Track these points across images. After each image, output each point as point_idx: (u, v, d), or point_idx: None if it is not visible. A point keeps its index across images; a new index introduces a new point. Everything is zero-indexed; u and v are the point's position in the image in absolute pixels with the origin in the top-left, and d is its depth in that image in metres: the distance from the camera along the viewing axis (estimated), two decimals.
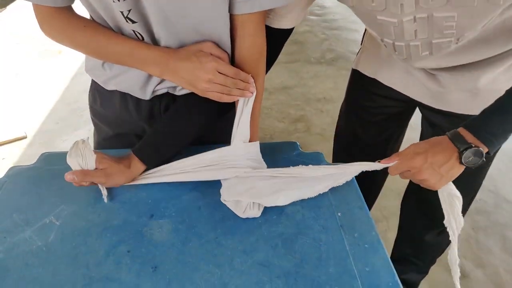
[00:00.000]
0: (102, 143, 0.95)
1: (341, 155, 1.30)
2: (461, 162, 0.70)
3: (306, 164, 0.85)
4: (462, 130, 0.72)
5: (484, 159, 0.70)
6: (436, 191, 1.09)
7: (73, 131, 2.26)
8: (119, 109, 0.87)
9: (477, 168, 0.87)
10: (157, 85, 0.80)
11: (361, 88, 1.12)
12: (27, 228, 0.71)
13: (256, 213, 0.75)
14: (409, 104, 1.05)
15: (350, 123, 1.19)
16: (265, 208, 0.77)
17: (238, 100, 0.77)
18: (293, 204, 0.78)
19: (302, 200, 0.79)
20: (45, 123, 2.32)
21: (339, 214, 0.77)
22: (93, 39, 0.71)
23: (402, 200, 1.30)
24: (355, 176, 0.82)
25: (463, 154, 0.69)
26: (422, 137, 1.10)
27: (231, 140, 0.79)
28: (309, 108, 2.59)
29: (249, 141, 0.80)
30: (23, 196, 0.78)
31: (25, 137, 2.17)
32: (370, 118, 1.12)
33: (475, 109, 0.92)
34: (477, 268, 1.63)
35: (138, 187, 0.81)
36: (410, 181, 1.22)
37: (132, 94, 0.83)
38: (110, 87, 0.83)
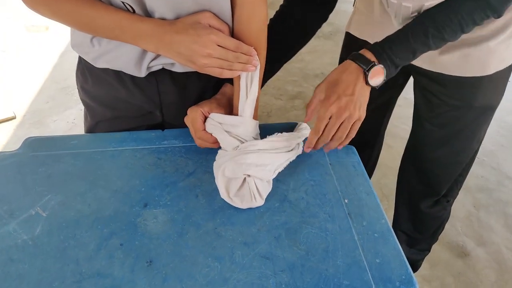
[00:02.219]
0: (100, 126, 0.88)
1: None
2: (367, 83, 0.72)
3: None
4: (365, 52, 0.73)
5: (385, 79, 0.72)
6: (432, 159, 1.07)
7: (64, 111, 2.19)
8: (115, 88, 0.80)
9: (466, 130, 0.92)
10: (152, 61, 0.74)
11: (353, 51, 1.08)
12: (11, 221, 0.66)
13: (260, 202, 0.70)
14: (402, 69, 1.01)
15: None
16: (268, 196, 0.72)
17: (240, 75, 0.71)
18: (297, 191, 0.74)
19: (307, 187, 0.74)
20: (35, 102, 2.24)
21: (346, 201, 0.72)
22: (79, 11, 0.64)
23: (399, 172, 1.28)
24: None
25: (367, 74, 0.71)
26: (416, 104, 1.06)
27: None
28: (306, 85, 2.52)
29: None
30: (6, 186, 0.72)
31: (14, 118, 2.10)
32: None
33: (466, 71, 0.88)
34: (479, 246, 1.61)
35: (131, 174, 0.75)
36: (405, 150, 1.19)
37: (125, 71, 0.76)
38: (100, 64, 0.76)
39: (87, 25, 0.66)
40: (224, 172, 0.70)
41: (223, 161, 0.71)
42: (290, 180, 0.76)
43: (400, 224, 1.29)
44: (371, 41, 1.02)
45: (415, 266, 1.38)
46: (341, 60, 1.18)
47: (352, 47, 1.11)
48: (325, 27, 3.56)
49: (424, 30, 0.74)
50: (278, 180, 0.76)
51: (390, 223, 1.35)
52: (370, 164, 1.34)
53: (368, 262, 0.62)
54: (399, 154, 1.31)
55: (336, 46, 2.95)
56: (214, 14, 0.65)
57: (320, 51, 2.90)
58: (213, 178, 0.74)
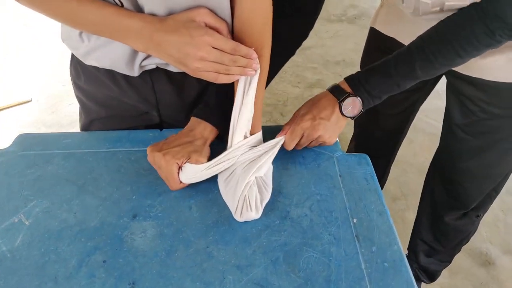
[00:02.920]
0: (95, 125, 0.83)
1: (359, 128, 1.19)
2: (341, 113, 0.72)
3: (316, 154, 0.75)
4: (342, 83, 0.74)
5: (362, 110, 0.73)
6: (462, 171, 0.98)
7: None
8: (108, 87, 0.74)
9: (504, 141, 0.87)
10: (144, 60, 0.67)
11: (378, 49, 1.00)
12: None
13: (255, 215, 0.64)
14: None
15: None
16: (267, 211, 0.65)
17: (238, 80, 0.64)
18: (300, 206, 0.67)
19: (312, 202, 0.67)
20: (50, 85, 2.23)
21: (354, 220, 0.65)
22: (64, 5, 0.57)
23: (425, 179, 1.18)
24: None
25: (342, 104, 0.72)
26: (448, 108, 0.96)
27: (230, 133, 0.66)
28: (326, 72, 2.41)
29: (251, 133, 0.68)
30: None
31: (30, 101, 2.09)
32: None
33: (508, 76, 0.78)
34: (505, 255, 1.51)
35: (122, 179, 0.70)
36: (433, 157, 1.10)
37: (117, 70, 0.70)
38: (89, 62, 0.70)
39: (73, 20, 0.60)
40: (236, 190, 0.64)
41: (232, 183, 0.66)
42: (293, 193, 0.69)
43: (421, 232, 1.20)
44: (399, 39, 0.92)
45: (433, 276, 1.29)
46: (365, 58, 1.09)
47: (376, 44, 1.02)
48: (349, 10, 3.37)
49: (410, 59, 0.70)
50: (280, 193, 0.69)
51: (408, 228, 1.27)
52: (389, 163, 1.25)
53: None
54: (421, 149, 1.21)
55: (361, 31, 2.79)
56: (211, 10, 0.58)
57: (343, 36, 2.76)
58: (209, 188, 0.69)
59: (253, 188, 0.64)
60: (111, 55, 0.65)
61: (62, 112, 2.04)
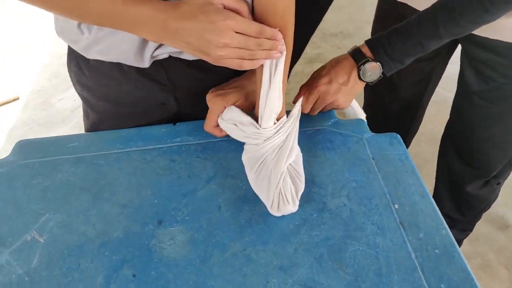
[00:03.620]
0: (106, 124, 0.75)
1: (372, 100, 1.14)
2: (359, 78, 0.70)
3: (344, 137, 0.71)
4: (363, 46, 0.70)
5: (382, 75, 0.70)
6: (483, 139, 0.94)
7: (69, 88, 2.07)
8: (118, 80, 0.67)
9: None
10: (155, 50, 0.61)
11: (390, 16, 0.94)
12: (3, 250, 0.56)
13: (292, 208, 0.59)
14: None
15: None
16: (302, 203, 0.60)
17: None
18: (337, 195, 0.62)
19: (348, 190, 0.63)
20: (38, 81, 2.12)
21: (396, 206, 0.60)
22: None
23: (439, 150, 1.14)
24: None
25: (360, 69, 0.69)
26: (463, 77, 0.92)
27: (259, 116, 0.61)
28: (325, 46, 2.34)
29: (277, 118, 0.62)
30: None
31: (17, 98, 1.99)
32: None
33: None
34: None
35: (141, 182, 0.64)
36: (446, 128, 1.08)
37: (124, 63, 0.63)
38: (92, 55, 0.63)
39: (74, 11, 0.52)
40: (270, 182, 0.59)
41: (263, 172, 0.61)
42: (327, 182, 0.64)
43: (441, 205, 1.17)
44: (411, 4, 0.86)
45: None
46: (375, 23, 1.03)
47: (388, 11, 0.96)
48: None
49: (434, 17, 0.65)
50: (314, 182, 0.64)
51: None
52: (408, 138, 1.21)
53: None
54: (428, 118, 1.17)
55: (353, 2, 2.71)
56: None
57: (337, 8, 2.66)
58: (236, 185, 0.63)
59: (287, 179, 0.59)
60: (117, 46, 0.59)
61: (53, 109, 1.95)
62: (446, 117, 1.05)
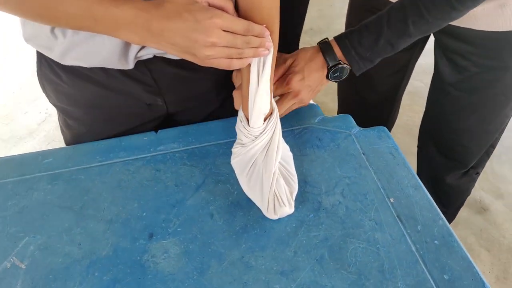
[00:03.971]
0: (91, 132, 0.71)
1: (345, 94, 1.14)
2: (327, 77, 0.69)
3: (332, 133, 0.70)
4: (334, 44, 0.68)
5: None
6: (461, 130, 0.96)
7: (35, 100, 1.97)
8: (101, 83, 0.64)
9: (500, 95, 0.85)
10: (139, 51, 0.57)
11: (363, 9, 0.93)
12: None
13: (289, 210, 0.57)
14: None
15: None
16: (297, 204, 0.59)
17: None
18: (331, 193, 0.61)
19: (342, 187, 0.61)
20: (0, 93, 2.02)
21: (391, 200, 0.60)
22: None
23: (418, 143, 1.16)
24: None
25: (330, 71, 0.68)
26: (438, 68, 0.93)
27: (249, 115, 0.58)
28: None
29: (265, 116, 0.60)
30: None
31: None
32: None
33: (503, 24, 0.75)
34: (497, 200, 1.54)
35: (126, 196, 0.61)
36: (422, 121, 1.08)
37: (107, 67, 0.60)
38: (69, 61, 0.59)
39: (45, 16, 0.48)
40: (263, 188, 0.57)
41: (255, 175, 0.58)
42: (320, 180, 0.63)
43: None
44: None
45: None
46: (348, 17, 1.03)
47: (360, 3, 0.96)
48: None
49: (403, 15, 0.65)
50: (306, 182, 0.62)
51: None
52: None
53: (435, 280, 0.50)
54: (402, 109, 1.19)
55: None
56: None
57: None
58: (227, 190, 0.61)
59: (280, 180, 0.58)
60: (96, 51, 0.55)
61: (18, 123, 1.86)
62: (419, 107, 1.06)
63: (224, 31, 0.47)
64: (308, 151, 0.67)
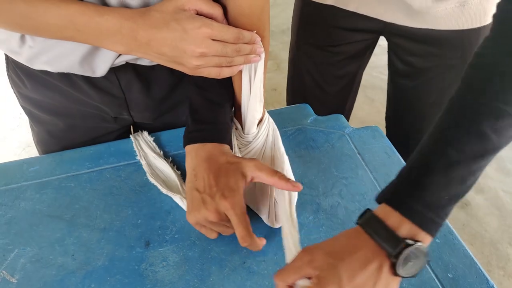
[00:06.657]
0: (52, 141, 0.69)
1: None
2: (395, 273, 0.39)
3: (326, 134, 0.69)
4: (383, 211, 0.42)
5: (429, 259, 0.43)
6: (416, 121, 0.94)
7: (8, 103, 1.90)
8: (66, 92, 0.61)
9: None
10: (116, 59, 0.55)
11: (314, 22, 0.89)
12: None
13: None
14: (376, 35, 0.87)
15: (303, 69, 0.97)
16: (296, 208, 0.58)
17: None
18: (329, 195, 0.60)
19: (340, 188, 0.61)
20: None
21: None
22: (11, 7, 0.44)
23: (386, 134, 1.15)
24: None
25: (397, 261, 0.39)
26: (394, 74, 0.91)
27: (242, 122, 0.57)
28: (275, 43, 2.33)
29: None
30: None
31: None
32: (327, 60, 0.91)
33: (465, 22, 0.75)
34: (478, 195, 1.58)
35: (119, 203, 0.59)
36: (386, 121, 1.05)
37: (76, 73, 0.57)
38: (38, 66, 0.56)
39: (26, 27, 0.46)
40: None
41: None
42: (317, 181, 0.62)
43: None
44: (341, 5, 0.81)
45: None
46: (298, 34, 0.96)
47: (311, 17, 0.89)
48: None
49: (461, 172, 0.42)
50: (303, 184, 0.61)
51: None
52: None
53: (440, 279, 0.51)
54: (383, 107, 1.20)
55: None
56: None
57: (282, 4, 2.68)
58: None
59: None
60: (67, 55, 0.52)
61: None
62: (375, 102, 1.02)
63: (214, 39, 0.46)
64: (303, 152, 0.67)
